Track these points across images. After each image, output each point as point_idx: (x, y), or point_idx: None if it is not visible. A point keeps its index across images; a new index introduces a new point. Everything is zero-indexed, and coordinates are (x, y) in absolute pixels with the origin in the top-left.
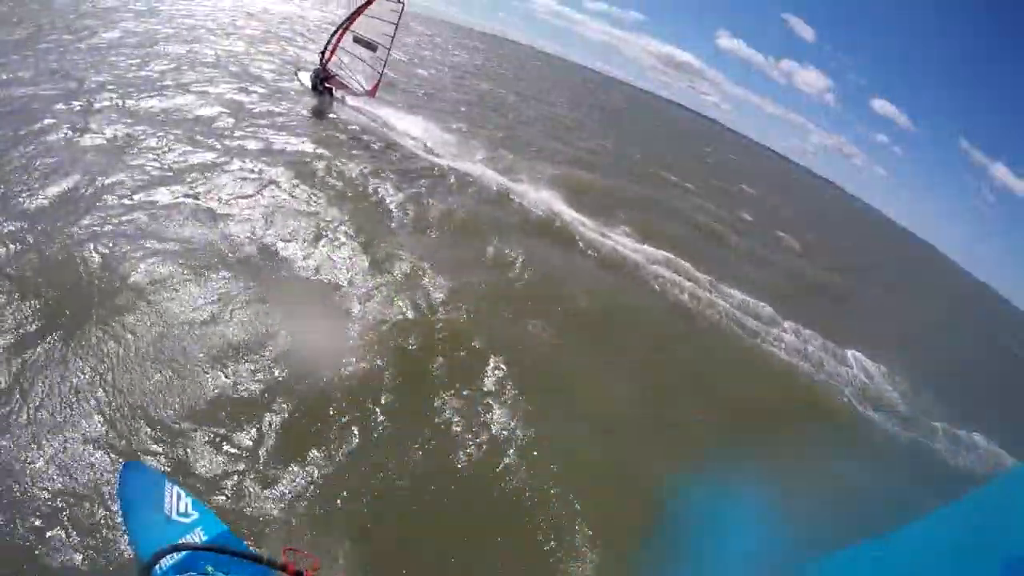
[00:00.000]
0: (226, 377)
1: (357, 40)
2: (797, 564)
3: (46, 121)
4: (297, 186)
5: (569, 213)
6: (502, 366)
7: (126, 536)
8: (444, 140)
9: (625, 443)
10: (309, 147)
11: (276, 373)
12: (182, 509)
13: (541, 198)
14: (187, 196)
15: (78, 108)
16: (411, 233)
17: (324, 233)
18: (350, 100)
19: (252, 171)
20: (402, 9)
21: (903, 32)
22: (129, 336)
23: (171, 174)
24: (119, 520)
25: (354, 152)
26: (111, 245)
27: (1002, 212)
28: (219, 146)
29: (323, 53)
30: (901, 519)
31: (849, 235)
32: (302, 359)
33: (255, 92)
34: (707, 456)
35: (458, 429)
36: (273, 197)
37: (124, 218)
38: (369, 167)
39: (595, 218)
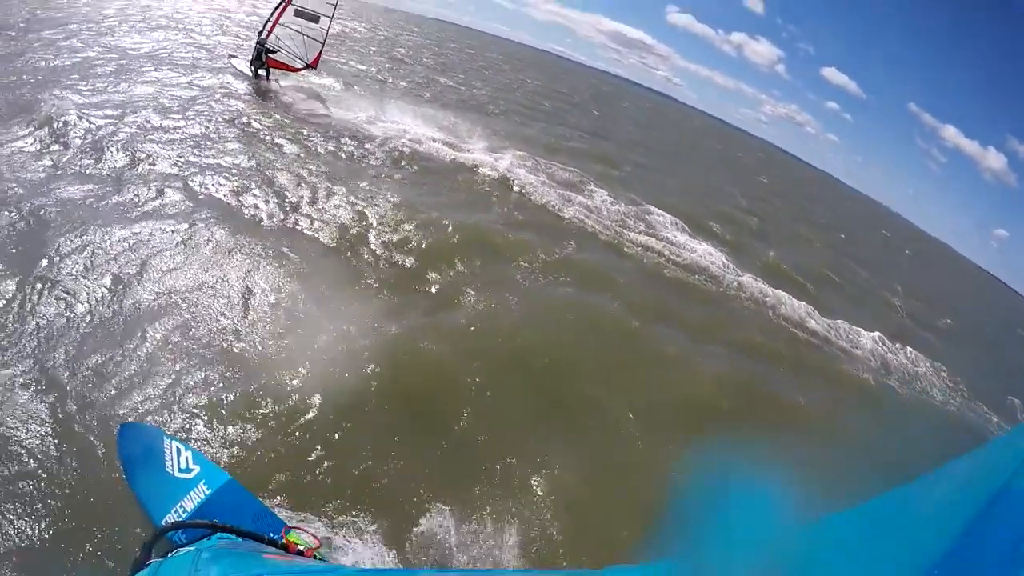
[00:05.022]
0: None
1: (299, 13)
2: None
3: None
4: None
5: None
6: None
7: (133, 497)
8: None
9: None
10: None
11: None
12: (183, 464)
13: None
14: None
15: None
16: None
17: None
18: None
19: None
20: None
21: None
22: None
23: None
24: (125, 483)
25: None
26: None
27: (952, 171)
28: None
29: (262, 30)
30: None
31: (882, 244)
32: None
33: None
34: None
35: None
36: None
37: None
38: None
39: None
